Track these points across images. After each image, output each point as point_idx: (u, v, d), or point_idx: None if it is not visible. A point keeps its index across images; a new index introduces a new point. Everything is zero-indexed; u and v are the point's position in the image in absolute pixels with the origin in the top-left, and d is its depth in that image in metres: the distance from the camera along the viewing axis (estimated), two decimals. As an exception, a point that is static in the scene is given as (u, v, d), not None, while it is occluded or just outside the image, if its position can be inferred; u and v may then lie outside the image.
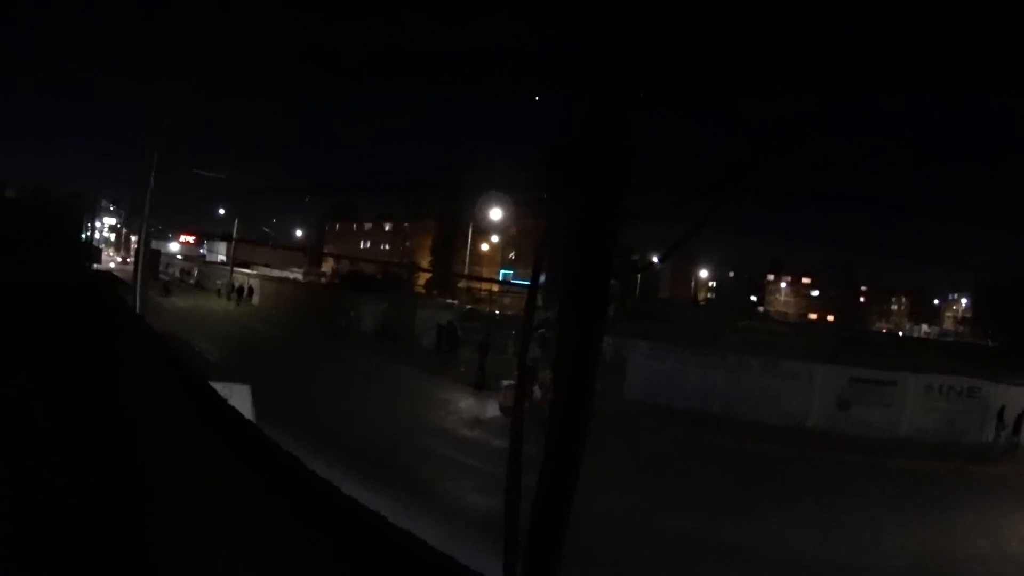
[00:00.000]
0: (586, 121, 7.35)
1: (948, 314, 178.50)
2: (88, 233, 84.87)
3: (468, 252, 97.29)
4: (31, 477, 6.87)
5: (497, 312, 74.01)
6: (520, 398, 13.04)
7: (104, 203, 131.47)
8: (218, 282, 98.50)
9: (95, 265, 78.25)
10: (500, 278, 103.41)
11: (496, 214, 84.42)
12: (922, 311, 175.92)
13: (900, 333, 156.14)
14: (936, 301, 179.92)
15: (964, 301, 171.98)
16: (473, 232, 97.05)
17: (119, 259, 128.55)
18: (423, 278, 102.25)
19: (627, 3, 7.50)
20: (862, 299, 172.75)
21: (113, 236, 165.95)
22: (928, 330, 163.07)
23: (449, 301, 79.41)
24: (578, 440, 7.67)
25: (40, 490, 6.60)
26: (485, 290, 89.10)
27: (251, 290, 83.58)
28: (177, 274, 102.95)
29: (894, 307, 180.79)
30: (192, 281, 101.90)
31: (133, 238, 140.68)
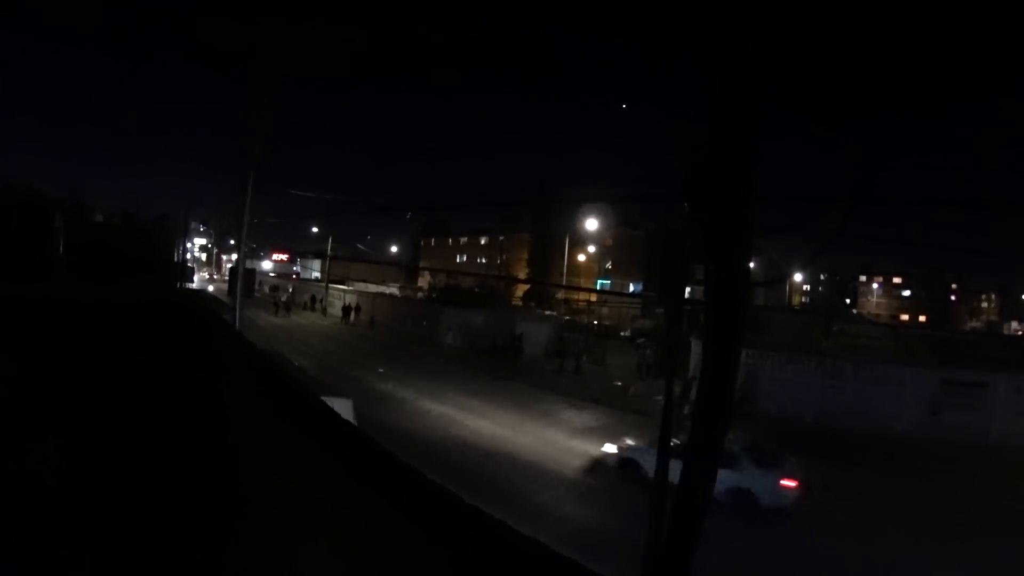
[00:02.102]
0: (713, 142, 7.60)
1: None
2: (180, 253, 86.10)
3: (565, 263, 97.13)
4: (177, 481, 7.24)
5: (595, 323, 73.89)
6: (667, 416, 13.28)
7: (194, 224, 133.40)
8: (306, 298, 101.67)
9: (187, 284, 79.72)
10: (597, 288, 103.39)
11: (592, 225, 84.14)
12: (1011, 308, 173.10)
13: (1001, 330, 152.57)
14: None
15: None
16: (569, 243, 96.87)
17: (207, 276, 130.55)
18: (520, 290, 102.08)
19: (744, 29, 7.74)
20: (952, 298, 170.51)
21: (204, 256, 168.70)
22: (1018, 327, 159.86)
23: (547, 312, 79.84)
24: (714, 449, 7.88)
25: (173, 489, 6.95)
26: (583, 301, 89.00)
27: (359, 308, 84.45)
28: (267, 291, 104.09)
29: (984, 305, 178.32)
30: (284, 298, 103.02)
31: (224, 257, 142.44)
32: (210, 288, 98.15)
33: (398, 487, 5.81)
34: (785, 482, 24.00)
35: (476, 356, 57.41)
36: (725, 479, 21.71)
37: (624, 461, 27.51)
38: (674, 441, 17.22)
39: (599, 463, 28.97)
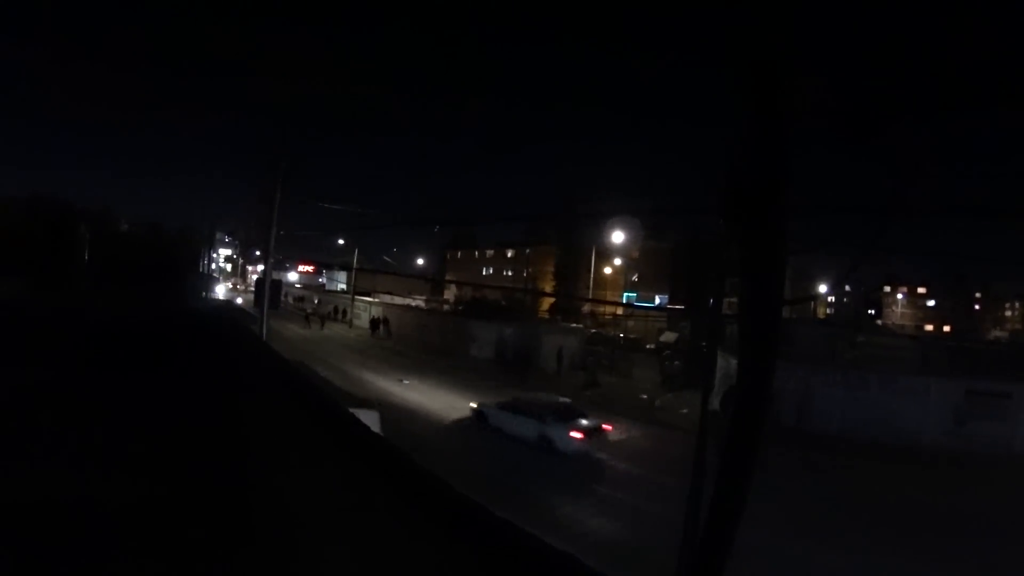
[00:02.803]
0: (749, 158, 7.65)
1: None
2: (205, 264, 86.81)
3: (591, 276, 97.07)
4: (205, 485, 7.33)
5: (621, 335, 73.83)
6: (704, 420, 13.32)
7: (219, 235, 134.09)
8: (330, 309, 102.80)
9: (211, 295, 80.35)
10: (623, 300, 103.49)
11: (618, 237, 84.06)
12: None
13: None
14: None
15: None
16: (595, 256, 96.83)
17: (232, 286, 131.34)
18: (546, 303, 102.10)
19: (778, 44, 7.80)
20: (976, 307, 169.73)
21: (229, 266, 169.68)
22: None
23: (573, 325, 79.38)
24: (750, 462, 7.92)
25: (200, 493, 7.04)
26: (609, 314, 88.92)
27: (387, 320, 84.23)
28: (291, 302, 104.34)
29: (1008, 313, 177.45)
30: (311, 310, 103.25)
31: (249, 268, 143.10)
32: (238, 300, 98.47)
33: (423, 495, 5.89)
34: (573, 433, 33.36)
35: (500, 369, 57.32)
36: (536, 428, 34.21)
37: (478, 414, 38.57)
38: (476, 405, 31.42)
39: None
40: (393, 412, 34.54)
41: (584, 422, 34.51)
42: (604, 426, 35.38)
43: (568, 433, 33.39)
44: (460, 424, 38.51)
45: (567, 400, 38.90)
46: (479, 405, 38.84)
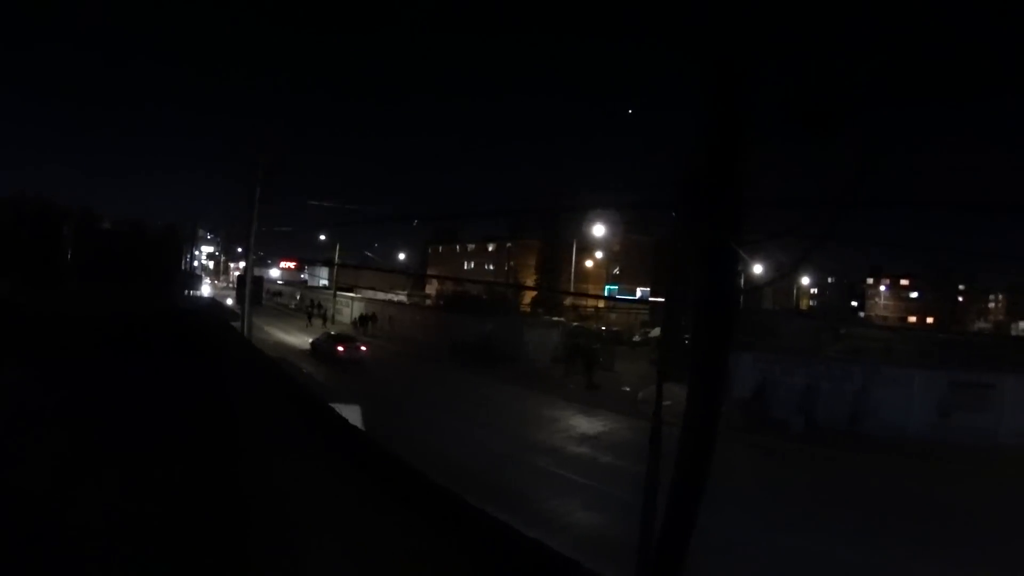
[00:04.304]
0: (705, 151, 7.69)
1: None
2: (187, 261, 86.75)
3: (573, 270, 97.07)
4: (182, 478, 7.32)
5: (604, 328, 73.95)
6: (658, 413, 13.35)
7: (202, 232, 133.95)
8: (306, 304, 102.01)
9: (193, 292, 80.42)
10: (605, 294, 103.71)
11: (600, 231, 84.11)
12: (1019, 308, 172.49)
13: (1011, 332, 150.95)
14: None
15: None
16: (577, 249, 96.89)
17: (215, 283, 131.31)
18: (528, 297, 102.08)
19: (737, 42, 7.83)
20: (960, 299, 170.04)
21: (211, 264, 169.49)
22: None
23: (555, 319, 79.61)
24: (707, 452, 7.96)
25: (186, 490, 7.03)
26: (591, 307, 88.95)
27: (375, 317, 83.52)
28: (272, 297, 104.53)
29: (991, 306, 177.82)
30: (293, 305, 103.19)
31: (231, 265, 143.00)
32: (228, 301, 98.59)
33: (404, 489, 5.88)
34: (339, 347, 56.74)
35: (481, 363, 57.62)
36: (328, 347, 56.81)
37: (312, 346, 60.43)
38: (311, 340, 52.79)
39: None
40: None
41: (344, 346, 57.65)
42: (362, 347, 59.08)
43: (337, 347, 57.05)
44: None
45: (349, 334, 65.79)
46: (312, 340, 62.36)
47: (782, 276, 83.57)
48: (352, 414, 18.86)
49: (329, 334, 63.56)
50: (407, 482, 6.20)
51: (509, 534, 5.08)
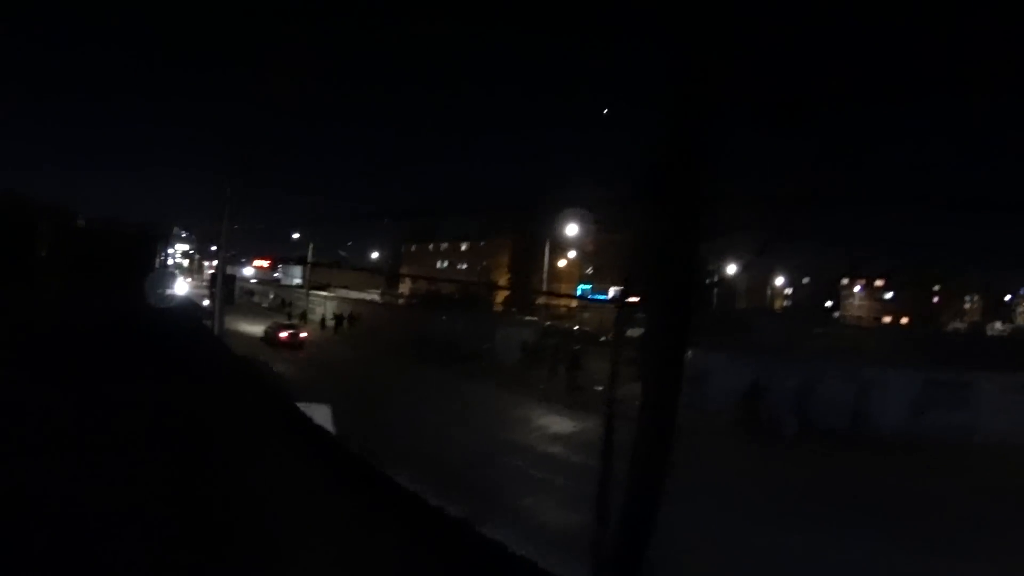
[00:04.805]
0: (666, 141, 7.59)
1: (1021, 310, 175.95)
2: (162, 260, 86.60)
3: (546, 269, 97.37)
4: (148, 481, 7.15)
5: (576, 328, 74.02)
6: (610, 414, 13.28)
7: (176, 230, 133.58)
8: (276, 302, 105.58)
9: (168, 291, 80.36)
10: (578, 293, 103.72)
11: (573, 230, 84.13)
12: (995, 308, 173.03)
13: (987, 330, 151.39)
14: (1008, 297, 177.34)
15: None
16: (550, 248, 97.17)
17: (190, 282, 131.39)
18: (501, 296, 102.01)
19: (702, 31, 7.73)
20: (935, 299, 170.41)
21: (186, 262, 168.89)
22: (1001, 327, 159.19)
23: (528, 318, 79.93)
24: (663, 451, 7.85)
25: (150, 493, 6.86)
26: (564, 306, 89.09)
27: (352, 317, 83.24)
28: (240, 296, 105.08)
29: (967, 305, 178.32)
30: (266, 304, 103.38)
31: (205, 263, 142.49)
32: (206, 303, 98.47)
33: (370, 493, 5.79)
34: (282, 333, 65.86)
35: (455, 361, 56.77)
36: (274, 333, 66.58)
37: (264, 333, 67.43)
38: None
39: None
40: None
41: (287, 332, 67.56)
42: (302, 334, 68.56)
43: (279, 334, 66.25)
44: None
45: (289, 322, 76.95)
46: (264, 329, 68.91)
47: (740, 270, 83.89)
48: (322, 413, 18.75)
49: (276, 323, 72.92)
50: (370, 486, 6.10)
51: (475, 539, 5.00)
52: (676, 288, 7.78)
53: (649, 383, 8.25)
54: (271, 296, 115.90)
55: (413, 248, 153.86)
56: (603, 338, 71.22)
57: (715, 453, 30.75)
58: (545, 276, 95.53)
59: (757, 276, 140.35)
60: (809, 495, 26.28)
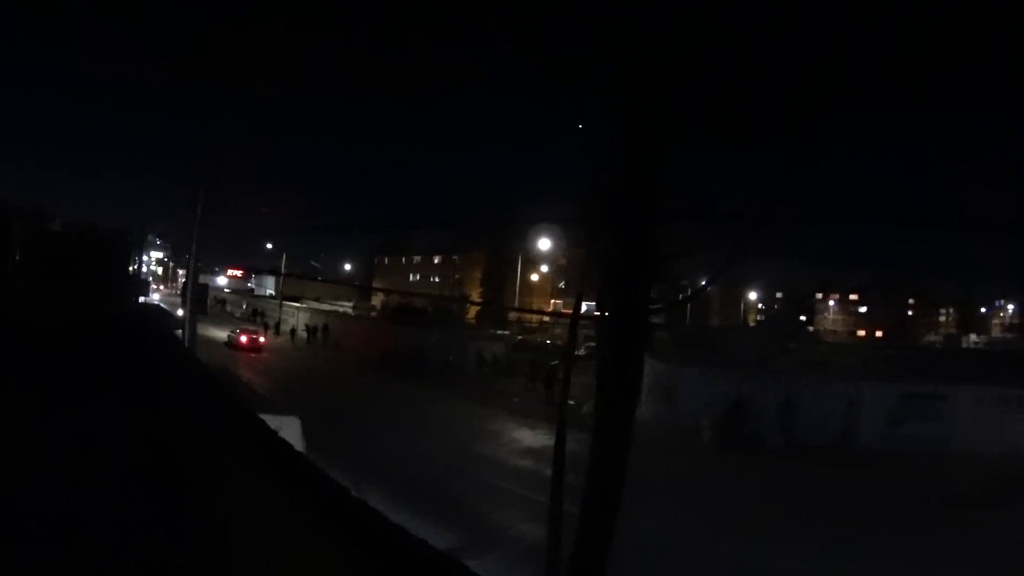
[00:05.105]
0: (619, 161, 7.44)
1: (995, 321, 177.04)
2: (136, 266, 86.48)
3: (518, 283, 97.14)
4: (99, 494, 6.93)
5: (548, 342, 74.04)
6: (562, 428, 13.13)
7: (151, 237, 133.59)
8: (248, 312, 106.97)
9: (142, 298, 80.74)
10: (551, 308, 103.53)
11: (544, 244, 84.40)
12: (970, 321, 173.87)
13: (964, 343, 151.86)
14: (984, 310, 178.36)
15: (1011, 308, 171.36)
16: (522, 262, 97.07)
17: (164, 289, 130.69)
18: (473, 310, 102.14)
19: (653, 50, 7.57)
20: (910, 312, 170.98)
21: (160, 270, 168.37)
22: (977, 339, 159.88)
23: (500, 332, 79.76)
24: (618, 469, 7.68)
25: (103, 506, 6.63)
26: (536, 320, 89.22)
27: (327, 328, 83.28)
28: (218, 305, 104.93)
29: (942, 319, 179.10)
30: (238, 314, 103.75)
31: (180, 271, 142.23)
32: (180, 312, 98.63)
33: (334, 512, 5.61)
34: (242, 337, 72.36)
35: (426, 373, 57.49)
36: (232, 337, 72.85)
37: (227, 338, 72.21)
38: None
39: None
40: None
41: (247, 336, 73.25)
42: (261, 339, 74.30)
43: (240, 338, 72.16)
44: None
45: (249, 327, 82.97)
46: (227, 335, 74.22)
47: (695, 294, 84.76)
48: (291, 426, 18.52)
49: (236, 329, 78.01)
50: (335, 503, 5.90)
51: (429, 555, 4.86)
52: (623, 303, 7.65)
53: (603, 396, 8.14)
54: (244, 306, 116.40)
55: (386, 260, 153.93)
56: (578, 351, 71.37)
57: (708, 468, 31.59)
58: (517, 290, 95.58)
59: (731, 292, 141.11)
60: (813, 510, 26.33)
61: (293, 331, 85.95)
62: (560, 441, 15.25)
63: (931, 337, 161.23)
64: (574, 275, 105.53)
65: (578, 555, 8.19)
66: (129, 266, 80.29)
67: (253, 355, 68.90)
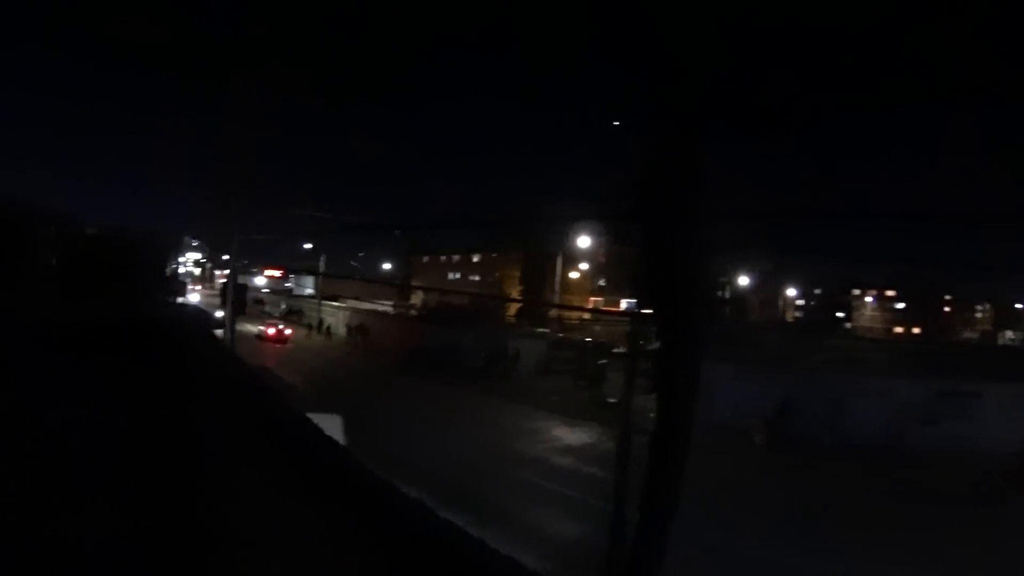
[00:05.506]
0: (660, 159, 7.59)
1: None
2: (173, 267, 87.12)
3: (557, 281, 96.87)
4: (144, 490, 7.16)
5: (588, 340, 73.81)
6: (627, 427, 13.23)
7: (187, 239, 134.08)
8: (283, 311, 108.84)
9: (179, 298, 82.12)
10: (590, 306, 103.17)
11: (584, 242, 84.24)
12: (1005, 317, 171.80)
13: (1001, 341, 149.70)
14: (1019, 305, 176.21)
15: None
16: (562, 260, 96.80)
17: (202, 289, 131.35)
18: (512, 308, 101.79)
19: (690, 50, 7.73)
20: (946, 309, 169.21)
21: (198, 271, 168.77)
22: (1013, 336, 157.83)
23: (540, 330, 79.80)
24: (678, 464, 7.84)
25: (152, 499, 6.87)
26: (576, 318, 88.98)
27: (361, 328, 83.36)
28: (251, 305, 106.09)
29: (978, 315, 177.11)
30: (277, 314, 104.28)
31: (217, 272, 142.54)
32: (219, 313, 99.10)
33: (374, 505, 5.77)
34: (270, 330, 79.54)
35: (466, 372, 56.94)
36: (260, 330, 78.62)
37: (257, 332, 77.20)
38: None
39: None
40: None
41: (275, 329, 79.11)
42: (286, 331, 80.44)
43: (268, 331, 77.71)
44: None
45: (274, 320, 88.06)
46: (256, 329, 77.88)
47: (751, 284, 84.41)
48: (333, 424, 18.75)
49: (265, 323, 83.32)
50: (378, 500, 6.08)
51: (484, 553, 5.00)
52: (685, 303, 7.78)
53: (663, 398, 8.25)
54: (282, 305, 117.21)
55: (424, 260, 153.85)
56: (616, 350, 71.01)
57: (774, 475, 32.01)
58: (557, 287, 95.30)
59: (769, 289, 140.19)
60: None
61: (327, 329, 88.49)
62: (624, 442, 15.36)
63: (967, 334, 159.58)
64: (621, 273, 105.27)
65: (637, 555, 8.33)
66: (165, 268, 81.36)
67: (279, 345, 75.94)
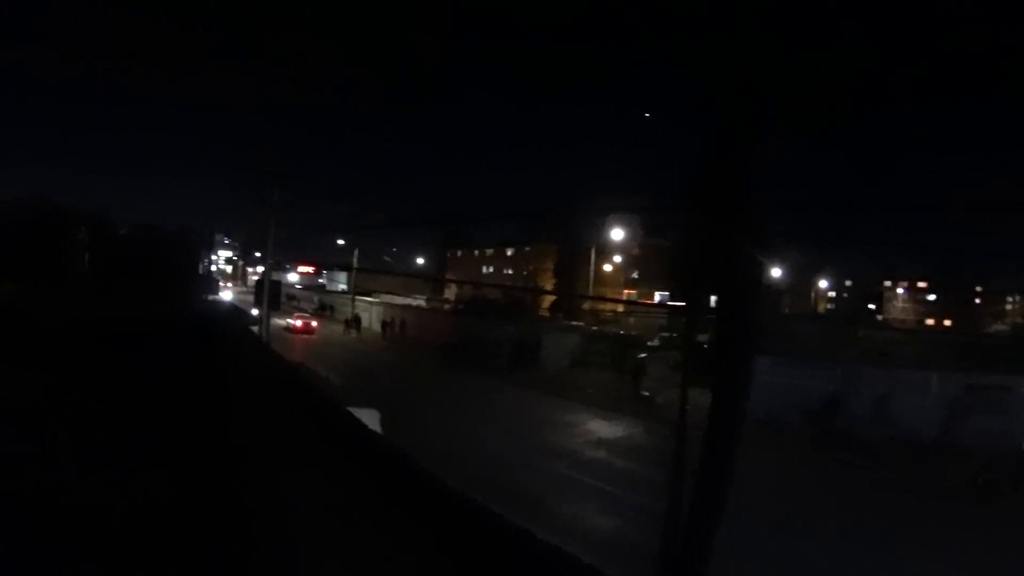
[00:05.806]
0: (720, 152, 7.70)
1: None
2: (205, 265, 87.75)
3: (592, 274, 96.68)
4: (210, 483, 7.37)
5: (622, 332, 73.64)
6: (683, 417, 13.39)
7: (219, 237, 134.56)
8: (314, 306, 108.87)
9: (212, 296, 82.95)
10: (624, 298, 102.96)
11: (618, 235, 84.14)
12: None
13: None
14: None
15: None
16: (595, 253, 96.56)
17: (233, 287, 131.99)
18: (547, 301, 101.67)
19: (750, 49, 7.85)
20: (977, 300, 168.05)
21: (230, 268, 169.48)
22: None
23: (575, 323, 79.57)
24: (730, 455, 7.97)
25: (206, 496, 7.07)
26: (610, 311, 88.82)
27: (403, 323, 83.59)
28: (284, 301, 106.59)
29: (1009, 307, 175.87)
30: (310, 310, 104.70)
31: (249, 269, 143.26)
32: (254, 312, 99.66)
33: (417, 493, 5.92)
34: (296, 322, 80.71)
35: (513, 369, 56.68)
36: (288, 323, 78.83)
37: (286, 325, 76.69)
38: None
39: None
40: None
41: (302, 322, 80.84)
42: (313, 323, 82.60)
43: (296, 324, 78.84)
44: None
45: (303, 313, 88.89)
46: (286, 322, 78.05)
47: (784, 276, 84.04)
48: (370, 418, 18.94)
49: (294, 316, 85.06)
50: (420, 487, 6.24)
51: (528, 540, 5.12)
52: (744, 293, 7.89)
53: (719, 390, 8.34)
54: (315, 300, 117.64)
55: (459, 254, 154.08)
56: (649, 343, 70.69)
57: (826, 472, 31.61)
58: (591, 280, 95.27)
59: (802, 281, 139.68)
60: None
61: (357, 323, 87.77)
62: (680, 439, 15.43)
63: (997, 326, 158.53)
64: (655, 267, 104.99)
65: (688, 547, 8.41)
66: (198, 265, 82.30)
67: (306, 336, 78.44)
